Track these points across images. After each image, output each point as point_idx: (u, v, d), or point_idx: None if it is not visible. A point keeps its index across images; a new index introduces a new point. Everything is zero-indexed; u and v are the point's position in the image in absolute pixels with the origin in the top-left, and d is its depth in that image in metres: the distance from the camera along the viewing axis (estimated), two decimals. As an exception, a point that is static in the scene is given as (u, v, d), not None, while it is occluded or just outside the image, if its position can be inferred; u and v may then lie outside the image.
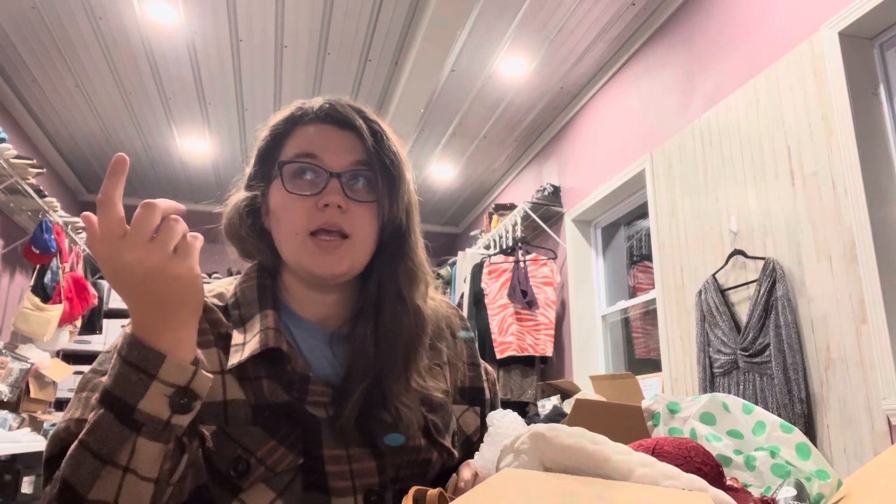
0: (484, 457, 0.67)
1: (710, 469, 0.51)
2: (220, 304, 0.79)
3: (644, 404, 0.68)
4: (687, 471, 0.47)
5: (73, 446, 0.59)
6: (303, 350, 0.78)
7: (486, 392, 0.90)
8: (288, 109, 0.83)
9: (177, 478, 0.63)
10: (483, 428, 0.83)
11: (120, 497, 0.58)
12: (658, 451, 0.52)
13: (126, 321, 0.79)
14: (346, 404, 0.73)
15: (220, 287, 0.83)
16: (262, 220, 0.83)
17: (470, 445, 0.85)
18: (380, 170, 0.78)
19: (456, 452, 0.81)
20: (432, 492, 0.60)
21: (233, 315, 0.78)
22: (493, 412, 0.69)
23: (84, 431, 0.59)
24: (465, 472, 0.69)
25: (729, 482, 0.52)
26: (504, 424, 0.67)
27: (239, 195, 0.84)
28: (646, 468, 0.46)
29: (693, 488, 0.44)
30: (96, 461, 0.58)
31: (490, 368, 0.96)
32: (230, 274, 5.18)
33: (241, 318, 0.77)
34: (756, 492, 0.54)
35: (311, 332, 0.80)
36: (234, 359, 0.72)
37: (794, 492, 0.48)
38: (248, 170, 0.85)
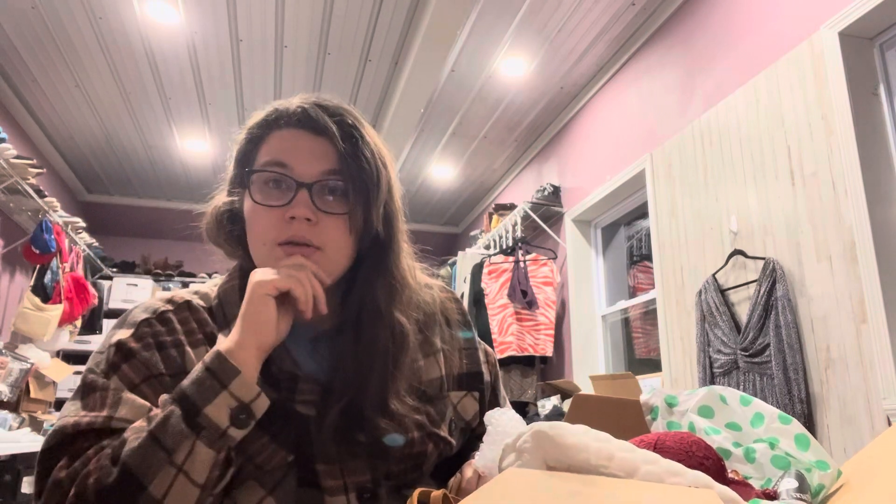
0: (485, 456, 0.67)
1: (712, 463, 0.51)
2: (204, 304, 0.79)
3: (642, 398, 0.68)
4: (689, 466, 0.47)
5: (141, 438, 0.61)
6: (289, 349, 0.77)
7: (486, 374, 0.88)
8: (264, 111, 0.80)
9: (219, 489, 0.65)
10: (483, 412, 0.83)
11: (167, 496, 0.60)
12: (660, 447, 0.52)
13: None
14: (331, 411, 0.72)
15: (204, 288, 0.82)
16: (245, 226, 0.80)
17: (470, 431, 0.85)
18: (353, 179, 0.75)
19: (453, 441, 0.80)
20: (436, 493, 0.60)
21: (217, 316, 0.78)
22: (491, 411, 0.69)
23: (154, 426, 0.62)
24: (468, 471, 0.68)
25: (730, 475, 0.53)
26: (503, 423, 0.67)
27: (218, 200, 0.83)
28: (650, 465, 0.46)
29: (699, 485, 0.44)
30: (164, 455, 0.61)
31: (490, 350, 0.93)
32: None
33: (225, 318, 0.77)
34: (756, 483, 0.54)
35: (294, 330, 0.77)
36: None
37: (795, 483, 0.48)
38: (229, 173, 0.83)
